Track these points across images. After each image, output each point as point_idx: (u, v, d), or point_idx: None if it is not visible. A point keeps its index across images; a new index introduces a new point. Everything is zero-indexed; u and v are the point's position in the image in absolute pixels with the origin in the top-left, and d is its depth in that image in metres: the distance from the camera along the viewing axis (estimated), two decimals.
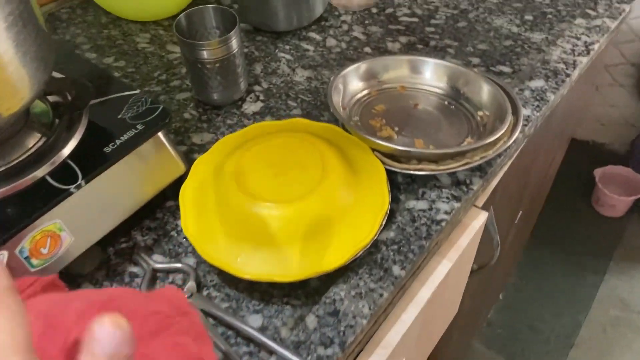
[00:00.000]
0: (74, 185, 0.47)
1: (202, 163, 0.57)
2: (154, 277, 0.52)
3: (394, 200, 0.56)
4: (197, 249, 0.50)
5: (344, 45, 0.79)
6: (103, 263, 0.53)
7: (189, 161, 0.62)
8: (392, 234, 0.53)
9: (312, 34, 0.82)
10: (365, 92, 0.67)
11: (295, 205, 0.49)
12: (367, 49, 0.78)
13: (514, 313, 1.63)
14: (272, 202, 0.49)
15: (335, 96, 0.62)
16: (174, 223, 0.56)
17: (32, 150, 0.50)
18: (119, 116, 0.54)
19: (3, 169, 0.48)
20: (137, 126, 0.53)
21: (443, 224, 0.54)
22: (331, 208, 0.50)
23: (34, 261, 0.46)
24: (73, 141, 0.51)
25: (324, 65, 0.76)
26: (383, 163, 0.56)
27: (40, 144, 0.50)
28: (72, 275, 0.51)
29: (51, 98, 0.54)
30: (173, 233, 0.55)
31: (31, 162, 0.48)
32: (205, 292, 0.50)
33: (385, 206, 0.52)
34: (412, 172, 0.55)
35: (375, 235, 0.50)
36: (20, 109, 0.46)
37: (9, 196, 0.46)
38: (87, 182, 0.48)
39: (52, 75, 0.50)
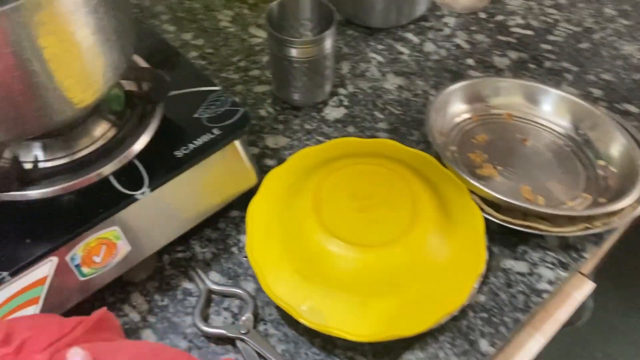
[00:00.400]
0: (140, 192, 0.42)
1: (276, 177, 0.51)
2: (209, 298, 0.47)
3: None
4: (260, 280, 0.44)
5: (443, 52, 0.71)
6: (156, 272, 0.48)
7: (260, 167, 0.56)
8: (482, 298, 0.46)
9: (409, 35, 0.73)
10: (466, 115, 0.58)
11: (378, 251, 0.43)
12: (470, 61, 0.69)
13: None
14: (352, 244, 0.43)
15: (433, 117, 0.54)
16: (236, 238, 0.51)
17: (100, 142, 0.45)
18: (195, 115, 0.48)
19: (67, 160, 0.44)
20: (214, 130, 0.47)
21: (545, 295, 0.46)
22: (418, 260, 0.44)
23: (85, 270, 0.42)
24: (144, 138, 0.45)
25: (418, 73, 0.68)
26: (481, 209, 0.48)
27: (109, 135, 0.46)
28: (122, 282, 0.47)
29: (126, 84, 0.49)
30: (234, 249, 0.50)
31: (97, 157, 0.44)
32: (262, 327, 0.45)
33: (481, 267, 0.44)
34: (515, 227, 0.47)
35: (466, 301, 0.43)
36: (94, 102, 0.41)
37: (69, 193, 0.42)
38: (152, 190, 0.43)
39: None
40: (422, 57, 0.70)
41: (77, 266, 0.41)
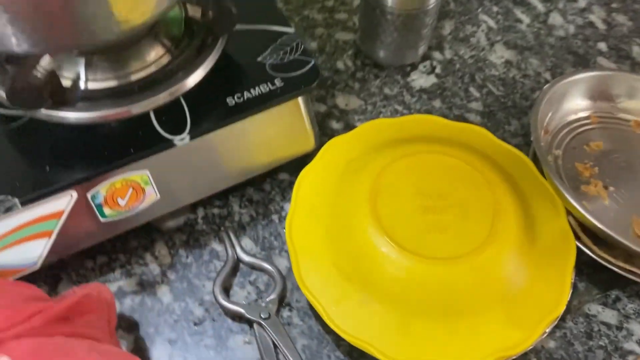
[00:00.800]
0: (179, 138, 0.37)
1: (337, 147, 0.44)
2: (236, 267, 0.42)
3: None
4: (292, 263, 0.38)
5: (571, 29, 0.58)
6: (187, 224, 0.44)
7: (322, 129, 0.49)
8: (552, 344, 0.38)
9: (535, 0, 0.61)
10: (584, 114, 0.47)
11: (438, 266, 0.35)
12: (602, 46, 0.56)
13: None
14: (407, 251, 0.35)
15: (543, 109, 0.44)
16: (280, 205, 0.45)
17: (152, 68, 0.39)
18: (259, 58, 0.41)
19: (112, 84, 0.38)
20: (276, 81, 0.40)
21: (630, 358, 0.37)
22: (484, 286, 0.36)
23: (107, 211, 0.38)
24: (198, 73, 0.39)
25: (535, 50, 0.56)
26: (576, 237, 0.39)
27: (163, 61, 0.40)
28: (149, 227, 0.43)
29: (190, 10, 0.42)
30: (274, 217, 0.44)
31: (143, 87, 0.38)
32: (286, 314, 0.40)
33: (560, 309, 0.36)
34: (614, 269, 0.38)
35: (533, 344, 0.35)
36: (143, 24, 0.35)
37: (103, 124, 0.37)
38: (192, 138, 0.37)
39: None
40: (544, 30, 0.58)
41: (99, 206, 0.37)
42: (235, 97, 0.39)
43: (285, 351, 0.37)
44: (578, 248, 0.39)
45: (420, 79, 0.54)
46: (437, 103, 0.52)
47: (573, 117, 0.47)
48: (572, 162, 0.44)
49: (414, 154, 0.40)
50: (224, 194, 0.45)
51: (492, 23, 0.58)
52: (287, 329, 0.39)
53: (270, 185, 0.46)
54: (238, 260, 0.42)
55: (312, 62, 0.41)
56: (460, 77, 0.54)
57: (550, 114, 0.45)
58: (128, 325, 0.39)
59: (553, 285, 0.37)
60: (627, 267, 0.38)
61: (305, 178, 0.42)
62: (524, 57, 0.56)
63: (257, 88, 0.39)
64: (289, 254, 0.39)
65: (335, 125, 0.50)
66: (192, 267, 0.42)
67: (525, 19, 0.59)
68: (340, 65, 0.55)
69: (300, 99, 0.41)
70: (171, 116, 0.38)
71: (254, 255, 0.42)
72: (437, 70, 0.54)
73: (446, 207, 0.37)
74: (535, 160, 0.43)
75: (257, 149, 0.42)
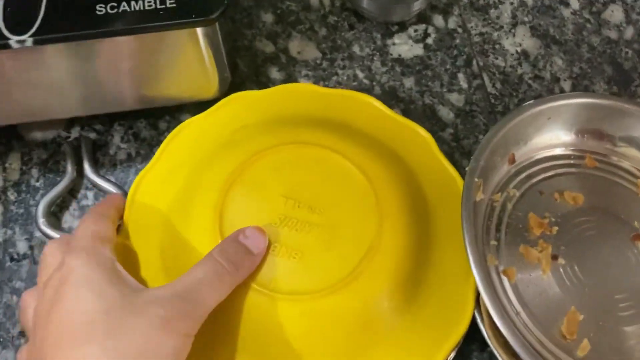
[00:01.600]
0: (18, 38, 0.29)
1: (234, 105, 0.34)
2: (76, 190, 0.35)
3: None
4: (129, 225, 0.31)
5: (629, 32, 0.44)
6: (54, 142, 0.37)
7: (256, 75, 0.40)
8: None
9: None
10: (576, 152, 0.35)
11: (306, 302, 0.27)
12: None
13: None
14: (265, 287, 0.27)
15: (514, 129, 0.33)
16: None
17: None
18: None
19: None
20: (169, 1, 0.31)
21: None
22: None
23: None
24: None
25: (568, 46, 0.43)
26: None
27: None
28: (11, 133, 0.37)
29: None
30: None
31: None
32: None
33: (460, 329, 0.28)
34: None
35: None
36: None
37: None
38: (37, 43, 0.30)
39: None
40: (592, 24, 0.44)
41: None
42: (108, 6, 0.30)
43: None
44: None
45: (403, 46, 0.42)
46: (408, 82, 0.41)
47: (559, 151, 0.35)
48: (527, 211, 0.33)
49: (303, 142, 0.30)
50: (110, 119, 0.38)
51: None
52: None
53: (168, 125, 0.39)
54: (83, 181, 0.35)
55: None
56: (454, 56, 0.42)
57: (525, 139, 0.34)
58: None
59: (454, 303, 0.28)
60: None
61: (182, 133, 0.34)
62: (548, 53, 0.43)
63: (139, 2, 0.30)
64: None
65: (274, 73, 0.41)
66: (38, 192, 0.36)
67: (574, 4, 0.45)
68: (314, 1, 0.44)
69: (199, 31, 0.32)
70: (22, 9, 0.30)
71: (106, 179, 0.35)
72: (430, 40, 0.43)
73: (310, 225, 0.28)
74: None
75: (145, 78, 0.34)
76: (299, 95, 0.35)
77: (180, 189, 0.31)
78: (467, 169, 0.30)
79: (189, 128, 0.34)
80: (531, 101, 0.33)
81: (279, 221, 0.28)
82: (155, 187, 0.32)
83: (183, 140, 0.33)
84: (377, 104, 0.34)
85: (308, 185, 0.29)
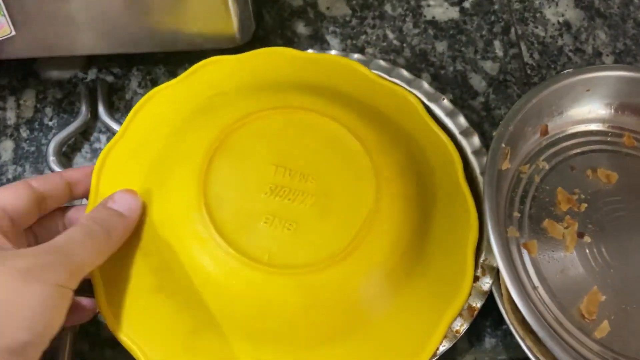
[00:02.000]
0: None
1: (220, 65, 0.32)
2: (89, 132, 0.35)
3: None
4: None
5: None
6: (71, 82, 0.37)
7: (281, 29, 0.38)
8: None
9: None
10: (615, 129, 0.33)
11: (269, 274, 0.25)
12: None
13: None
14: (232, 245, 0.25)
15: (548, 98, 0.31)
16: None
17: None
18: None
19: None
20: None
21: None
22: (332, 308, 0.26)
23: None
24: None
25: (613, 20, 0.40)
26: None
27: None
28: (27, 70, 0.36)
29: None
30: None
31: None
32: None
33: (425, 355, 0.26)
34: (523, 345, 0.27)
35: None
36: None
37: None
38: None
39: None
40: None
41: None
42: None
43: None
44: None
45: (438, 8, 0.40)
46: (440, 46, 0.39)
47: (596, 126, 0.33)
48: (555, 185, 0.31)
49: (289, 107, 0.28)
50: (129, 63, 0.37)
51: None
52: None
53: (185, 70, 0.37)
54: (97, 123, 0.34)
55: None
56: (491, 22, 0.40)
57: (560, 110, 0.32)
58: None
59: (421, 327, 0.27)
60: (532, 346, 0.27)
61: (151, 101, 0.30)
62: (592, 26, 0.40)
63: None
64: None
65: (301, 28, 0.39)
66: (50, 132, 0.35)
67: None
68: None
69: None
70: None
71: (120, 123, 0.34)
72: (467, 3, 0.40)
73: (304, 193, 0.26)
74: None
75: (165, 18, 0.33)
76: (280, 60, 0.32)
77: (155, 161, 0.28)
78: (494, 133, 0.28)
79: (159, 96, 0.31)
80: (570, 70, 0.31)
81: (269, 191, 0.26)
82: (125, 161, 0.29)
83: (152, 109, 0.30)
84: (362, 69, 0.32)
85: (298, 151, 0.27)
